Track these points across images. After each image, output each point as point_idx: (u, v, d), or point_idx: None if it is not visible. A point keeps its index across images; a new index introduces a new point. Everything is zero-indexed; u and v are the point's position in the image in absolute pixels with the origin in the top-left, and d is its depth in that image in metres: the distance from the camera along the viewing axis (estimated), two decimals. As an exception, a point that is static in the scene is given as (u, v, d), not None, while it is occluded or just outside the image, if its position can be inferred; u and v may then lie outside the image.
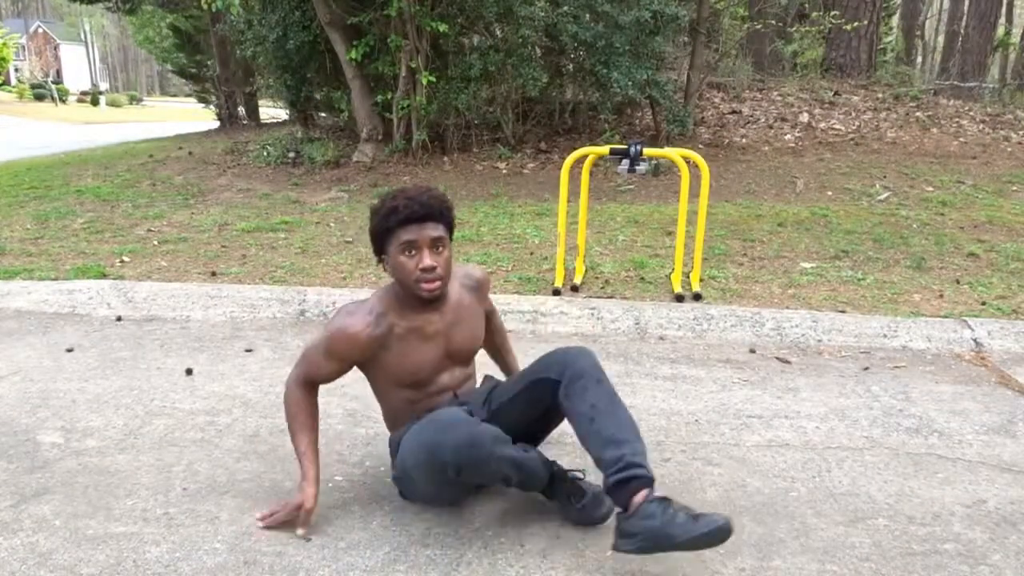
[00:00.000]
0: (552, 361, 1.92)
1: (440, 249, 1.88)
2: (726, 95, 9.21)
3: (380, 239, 1.91)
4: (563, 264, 4.08)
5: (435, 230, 1.87)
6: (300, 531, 1.89)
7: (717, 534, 1.60)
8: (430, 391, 2.00)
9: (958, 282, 4.15)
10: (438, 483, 1.82)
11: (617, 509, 1.74)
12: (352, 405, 2.68)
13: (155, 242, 5.00)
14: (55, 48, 51.08)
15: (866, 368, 3.11)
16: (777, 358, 3.22)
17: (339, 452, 2.33)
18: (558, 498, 1.97)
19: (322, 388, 2.81)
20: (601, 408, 1.80)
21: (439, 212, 1.87)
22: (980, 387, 2.92)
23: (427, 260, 1.85)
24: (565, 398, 1.85)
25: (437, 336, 1.98)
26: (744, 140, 8.00)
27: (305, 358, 2.00)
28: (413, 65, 7.12)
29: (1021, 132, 8.14)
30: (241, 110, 12.86)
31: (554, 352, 1.95)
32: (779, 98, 9.00)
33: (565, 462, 2.09)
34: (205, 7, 7.04)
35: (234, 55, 11.38)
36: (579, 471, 1.99)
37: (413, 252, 1.85)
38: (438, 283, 1.88)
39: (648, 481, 1.71)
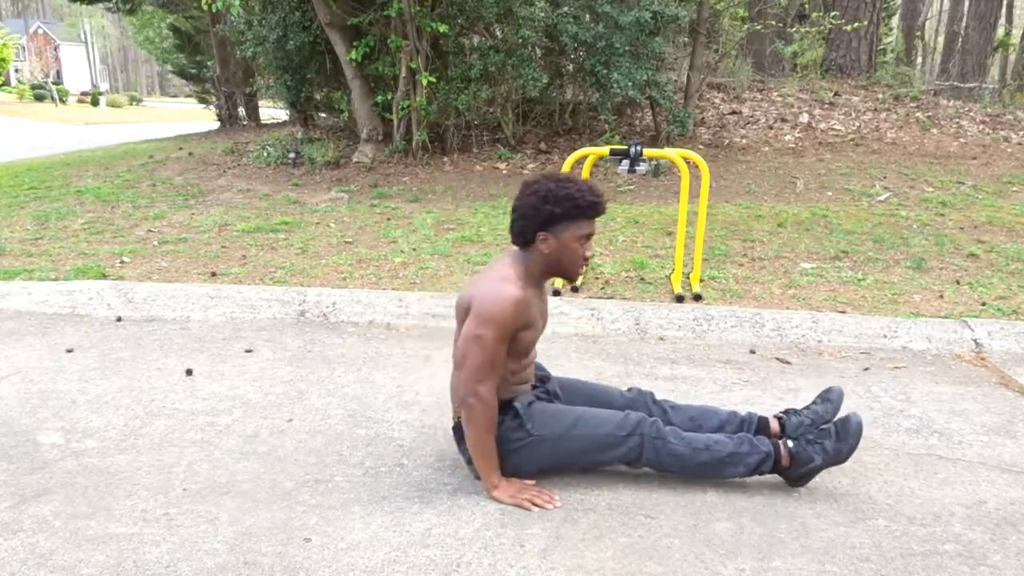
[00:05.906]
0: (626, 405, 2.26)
1: None
2: (726, 96, 9.20)
3: (558, 220, 1.99)
4: (563, 264, 4.07)
5: None
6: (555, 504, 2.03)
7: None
8: (526, 363, 2.14)
9: (958, 283, 4.15)
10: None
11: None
12: (352, 405, 2.68)
13: (155, 243, 5.00)
14: (55, 49, 51.05)
15: (866, 369, 3.11)
16: (777, 359, 3.22)
17: (339, 452, 2.33)
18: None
19: (322, 389, 2.84)
20: (694, 415, 2.25)
21: None
22: (980, 388, 2.92)
23: (591, 250, 2.07)
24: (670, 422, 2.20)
25: (540, 312, 2.14)
26: (744, 141, 8.00)
27: (484, 361, 1.97)
28: (413, 66, 7.12)
29: (1021, 133, 8.14)
30: (241, 111, 12.83)
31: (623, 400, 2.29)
32: (779, 99, 8.99)
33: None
34: (205, 7, 7.03)
35: (234, 56, 11.38)
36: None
37: (584, 242, 2.04)
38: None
39: (764, 419, 2.24)
